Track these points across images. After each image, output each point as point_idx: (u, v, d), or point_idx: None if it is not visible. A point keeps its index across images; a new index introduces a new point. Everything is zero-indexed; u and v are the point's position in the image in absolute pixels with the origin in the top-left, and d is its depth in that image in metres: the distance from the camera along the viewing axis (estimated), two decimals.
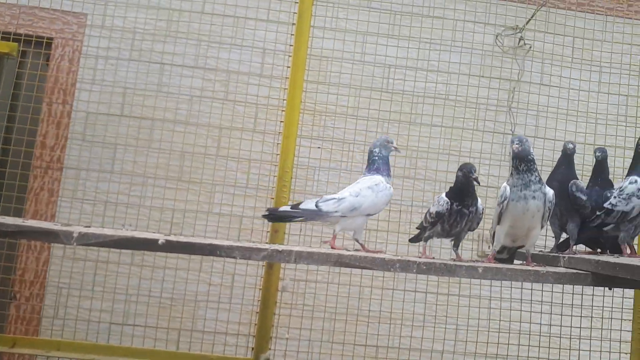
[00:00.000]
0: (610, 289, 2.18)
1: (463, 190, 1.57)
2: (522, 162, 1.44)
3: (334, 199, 1.61)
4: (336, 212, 1.59)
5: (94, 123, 2.54)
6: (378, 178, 1.67)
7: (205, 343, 2.41)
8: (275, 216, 1.72)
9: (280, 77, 2.47)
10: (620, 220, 1.61)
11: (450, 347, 2.58)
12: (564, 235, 1.83)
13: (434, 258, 1.63)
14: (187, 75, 2.62)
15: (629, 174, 1.69)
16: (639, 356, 1.88)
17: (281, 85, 2.34)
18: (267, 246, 1.45)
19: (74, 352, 2.03)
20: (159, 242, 1.36)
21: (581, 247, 1.89)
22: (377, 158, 1.72)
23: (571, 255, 1.55)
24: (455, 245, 1.70)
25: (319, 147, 2.58)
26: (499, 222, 1.51)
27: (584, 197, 1.70)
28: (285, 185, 1.98)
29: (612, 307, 2.42)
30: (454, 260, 1.60)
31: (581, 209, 1.71)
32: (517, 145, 1.43)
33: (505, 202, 1.46)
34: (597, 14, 2.70)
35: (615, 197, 1.63)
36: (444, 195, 1.61)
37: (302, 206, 1.63)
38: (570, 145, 1.76)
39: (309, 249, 1.54)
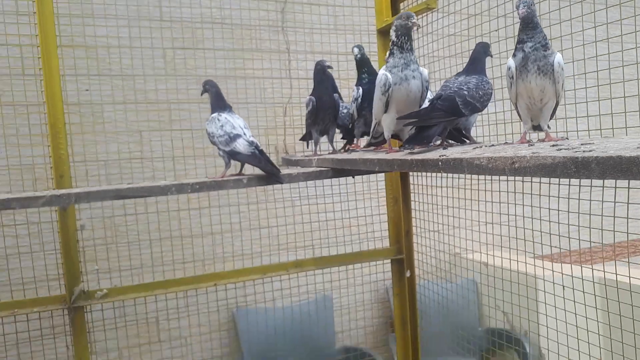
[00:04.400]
0: (353, 177, 2.56)
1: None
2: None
3: None
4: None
5: None
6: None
7: (16, 291, 2.31)
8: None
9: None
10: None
11: (267, 248, 2.91)
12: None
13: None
14: None
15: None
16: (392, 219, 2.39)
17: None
18: (44, 193, 1.50)
19: None
20: None
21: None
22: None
23: (319, 157, 1.83)
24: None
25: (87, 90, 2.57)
26: (386, 110, 1.48)
27: (345, 111, 1.98)
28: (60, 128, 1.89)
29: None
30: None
31: (342, 119, 1.98)
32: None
33: (390, 89, 1.42)
34: None
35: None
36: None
37: None
38: (327, 63, 1.86)
39: (88, 189, 1.61)
